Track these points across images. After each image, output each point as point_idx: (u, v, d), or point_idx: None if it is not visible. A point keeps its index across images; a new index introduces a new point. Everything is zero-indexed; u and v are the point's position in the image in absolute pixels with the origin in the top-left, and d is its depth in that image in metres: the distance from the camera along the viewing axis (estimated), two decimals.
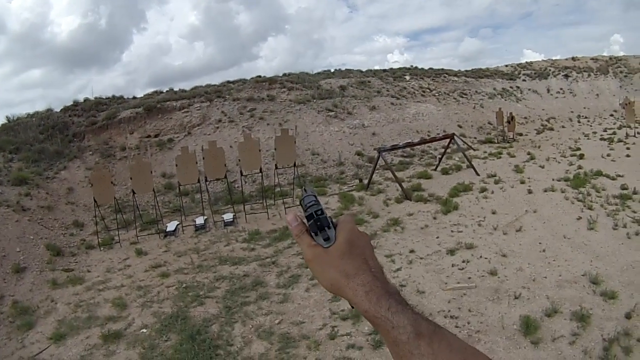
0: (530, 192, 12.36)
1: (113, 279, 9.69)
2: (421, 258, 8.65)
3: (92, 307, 8.26)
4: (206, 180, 13.37)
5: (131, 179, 12.98)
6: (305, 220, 0.96)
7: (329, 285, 0.89)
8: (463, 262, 8.20)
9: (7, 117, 20.75)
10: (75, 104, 22.08)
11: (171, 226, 12.72)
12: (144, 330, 7.16)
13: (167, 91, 24.43)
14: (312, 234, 0.93)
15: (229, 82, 25.45)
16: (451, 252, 8.70)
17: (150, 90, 27.73)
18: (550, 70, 40.32)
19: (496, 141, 23.60)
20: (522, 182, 13.47)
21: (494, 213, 10.88)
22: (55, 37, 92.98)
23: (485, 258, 8.25)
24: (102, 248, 11.81)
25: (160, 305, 8.04)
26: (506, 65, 41.39)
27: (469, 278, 7.54)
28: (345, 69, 31.40)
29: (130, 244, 11.99)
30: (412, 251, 9.04)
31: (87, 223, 13.59)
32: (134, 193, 13.00)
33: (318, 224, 0.92)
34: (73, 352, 6.76)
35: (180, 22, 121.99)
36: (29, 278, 9.66)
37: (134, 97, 23.81)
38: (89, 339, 7.09)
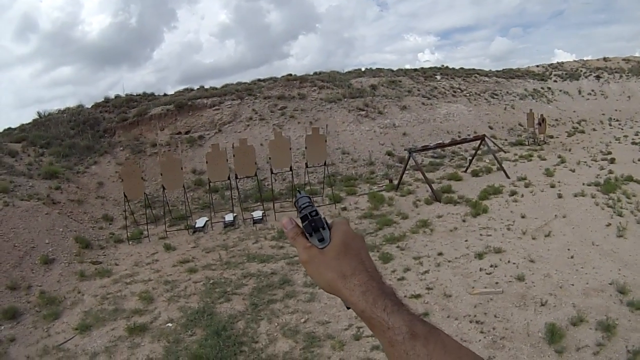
0: (560, 196, 11.99)
1: (141, 272, 9.69)
2: (449, 261, 8.46)
3: (119, 300, 8.26)
4: (236, 178, 13.32)
5: (161, 174, 12.96)
6: (300, 222, 0.95)
7: (326, 285, 0.89)
8: (491, 266, 7.99)
9: (38, 112, 21.13)
10: (106, 100, 22.34)
11: (200, 222, 12.68)
12: (170, 325, 7.13)
13: (198, 89, 24.51)
14: (307, 235, 0.93)
15: (259, 80, 25.50)
16: (479, 255, 8.49)
17: (181, 87, 27.96)
18: (581, 70, 39.38)
19: (527, 143, 23.10)
20: (552, 186, 13.10)
21: (523, 217, 10.60)
22: (85, 36, 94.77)
23: (513, 263, 8.03)
24: (130, 242, 11.82)
25: (187, 300, 8.00)
26: (537, 66, 40.61)
27: (496, 283, 7.34)
28: (376, 68, 31.06)
29: (159, 238, 12.00)
30: (440, 254, 8.85)
31: (116, 217, 13.68)
32: (163, 189, 12.98)
33: (312, 225, 0.92)
34: (98, 343, 6.75)
35: (211, 20, 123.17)
36: (57, 269, 9.69)
37: (165, 94, 23.96)
38: (115, 330, 7.08)
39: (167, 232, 12.36)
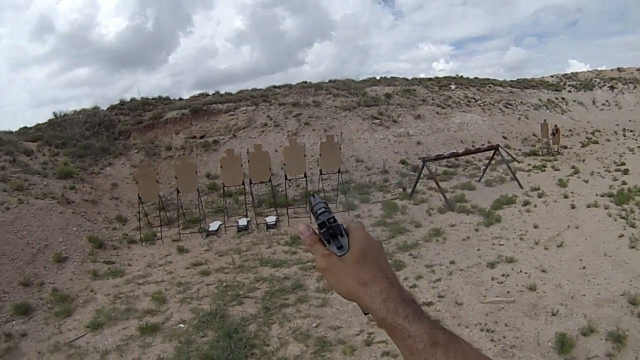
0: (573, 207, 11.86)
1: (153, 273, 9.68)
2: (461, 270, 8.39)
3: (131, 300, 8.25)
4: (250, 183, 13.29)
5: (176, 178, 12.97)
6: (316, 228, 0.94)
7: (346, 293, 0.89)
8: (503, 275, 7.91)
9: (54, 113, 21.32)
10: (122, 103, 22.52)
11: (214, 226, 12.68)
12: (182, 325, 7.11)
13: (213, 94, 24.64)
14: (325, 241, 0.92)
15: (275, 86, 25.54)
16: (491, 265, 8.41)
17: (196, 92, 28.08)
18: (595, 81, 39.11)
19: (541, 154, 22.97)
20: (566, 197, 12.98)
21: (536, 227, 10.49)
22: (102, 38, 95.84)
23: (525, 273, 7.94)
24: (144, 243, 11.83)
25: (199, 302, 7.97)
26: (551, 76, 40.40)
27: (508, 292, 7.26)
28: (391, 77, 31.01)
29: (172, 240, 11.99)
30: (452, 262, 8.78)
31: (130, 218, 13.69)
32: (178, 192, 12.99)
33: (331, 232, 0.91)
34: (109, 341, 6.74)
35: (227, 26, 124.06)
36: (70, 268, 9.71)
37: (180, 99, 24.09)
38: (126, 330, 7.07)
39: (181, 235, 12.34)
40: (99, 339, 6.83)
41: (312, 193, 1.00)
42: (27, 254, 9.55)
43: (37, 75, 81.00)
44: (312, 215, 0.99)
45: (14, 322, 7.44)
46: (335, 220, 0.91)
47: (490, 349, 5.70)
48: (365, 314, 0.88)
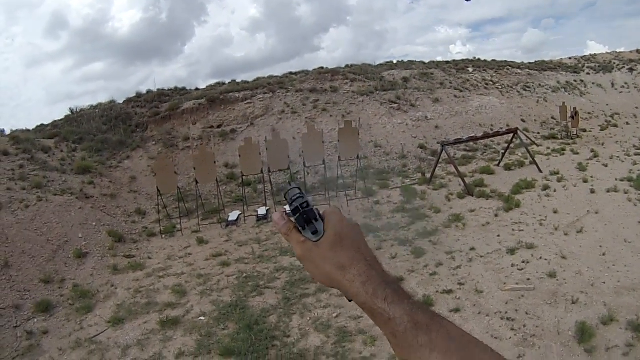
0: (592, 191, 11.62)
1: (173, 266, 9.69)
2: (481, 256, 8.30)
3: (152, 293, 8.27)
4: (269, 171, 13.23)
5: (194, 168, 12.95)
6: (291, 216, 0.92)
7: (325, 279, 0.88)
8: (523, 262, 7.81)
9: (70, 108, 21.35)
10: (138, 95, 22.46)
11: (233, 216, 12.63)
12: (202, 318, 7.12)
13: (229, 82, 24.52)
14: (300, 228, 0.90)
15: (291, 73, 25.38)
16: (511, 251, 8.30)
17: (212, 81, 28.06)
18: (614, 63, 38.09)
19: (560, 137, 22.51)
20: (585, 181, 12.72)
21: (555, 212, 10.31)
22: (116, 32, 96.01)
23: (545, 259, 7.82)
24: (163, 236, 11.83)
25: (220, 294, 7.97)
26: (570, 58, 39.32)
27: (528, 279, 7.17)
28: (408, 61, 30.54)
29: (191, 232, 11.97)
30: (472, 249, 8.68)
31: (149, 211, 13.71)
32: (196, 182, 12.95)
33: (305, 217, 0.89)
34: (130, 336, 6.77)
35: (241, 14, 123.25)
36: (90, 263, 9.74)
37: (197, 89, 23.93)
38: (147, 324, 7.09)
39: (200, 226, 12.31)
40: (120, 334, 6.86)
41: (289, 181, 0.96)
42: (47, 251, 9.58)
43: (52, 72, 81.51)
44: (286, 201, 0.96)
45: (35, 320, 7.47)
46: (308, 205, 0.90)
47: (510, 337, 5.66)
48: (350, 301, 0.86)
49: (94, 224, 11.38)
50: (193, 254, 10.37)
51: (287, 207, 0.96)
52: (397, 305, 0.77)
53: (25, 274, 8.62)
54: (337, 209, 0.95)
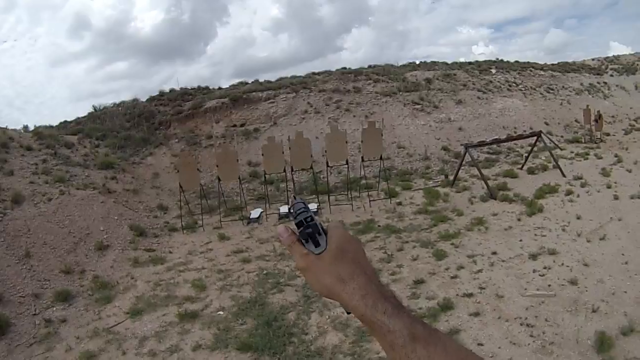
0: (616, 197, 11.35)
1: (194, 261, 9.69)
2: (503, 261, 8.14)
3: (171, 287, 8.27)
4: (292, 170, 13.16)
5: (217, 166, 12.98)
6: (295, 229, 0.94)
7: (325, 291, 0.88)
8: (544, 268, 7.63)
9: (93, 106, 21.74)
10: (161, 94, 22.68)
11: (255, 213, 12.62)
12: (221, 313, 7.10)
13: (252, 82, 24.62)
14: (303, 241, 0.91)
15: (314, 73, 25.34)
16: (533, 256, 8.12)
17: (235, 81, 28.08)
18: (638, 64, 37.30)
19: (583, 141, 22.09)
20: (609, 187, 12.44)
21: (578, 218, 10.09)
22: (139, 32, 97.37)
23: (567, 266, 7.63)
24: (185, 231, 11.84)
25: (239, 289, 7.94)
26: (593, 59, 38.74)
27: (549, 285, 7.00)
28: (431, 61, 30.47)
29: (213, 228, 11.98)
30: (494, 253, 8.52)
31: (171, 207, 13.76)
32: (219, 180, 12.97)
33: (308, 231, 0.91)
34: (148, 327, 6.78)
35: (263, 15, 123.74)
36: (111, 255, 9.78)
37: (220, 88, 24.08)
38: (165, 316, 7.09)
39: (222, 223, 12.32)
40: (138, 325, 6.88)
41: (294, 195, 0.93)
42: (68, 242, 9.63)
43: (76, 71, 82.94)
44: (291, 215, 0.98)
45: (54, 309, 7.51)
46: (312, 219, 0.92)
47: (529, 344, 5.52)
48: (348, 313, 0.87)
49: (116, 217, 11.43)
50: (214, 249, 10.36)
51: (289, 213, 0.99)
52: (396, 319, 0.78)
53: (46, 264, 8.67)
54: (340, 223, 0.98)
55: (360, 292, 0.83)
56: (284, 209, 12.64)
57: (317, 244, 0.89)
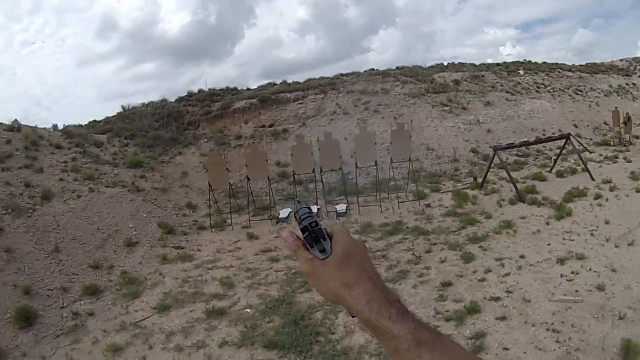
0: None
1: (222, 259, 9.71)
2: (531, 265, 7.98)
3: (199, 284, 8.29)
4: (321, 171, 13.10)
5: (246, 166, 13.02)
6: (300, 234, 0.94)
7: (331, 295, 0.89)
8: (572, 273, 7.43)
9: (122, 106, 22.02)
10: (190, 94, 22.86)
11: (284, 213, 12.62)
12: (248, 310, 7.10)
13: (280, 83, 24.70)
14: (308, 246, 0.91)
15: (342, 74, 25.28)
16: (561, 261, 7.94)
17: (263, 82, 28.26)
18: None
19: (612, 144, 21.57)
20: (638, 191, 12.09)
21: (607, 223, 9.81)
22: (165, 34, 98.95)
23: (595, 271, 7.42)
24: (213, 230, 11.87)
25: (267, 288, 7.94)
26: (621, 60, 37.78)
27: (576, 291, 6.81)
28: (459, 63, 30.29)
29: (242, 227, 11.99)
30: (522, 256, 8.37)
31: (200, 205, 13.81)
32: (248, 179, 13.02)
33: (313, 236, 0.91)
34: (175, 323, 6.81)
35: (290, 16, 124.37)
36: (140, 252, 9.85)
37: (248, 89, 24.21)
38: (193, 312, 7.11)
39: (251, 222, 12.31)
40: (165, 321, 6.92)
41: (297, 200, 0.84)
42: (97, 238, 9.73)
43: (103, 72, 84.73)
44: (295, 220, 0.99)
45: (82, 302, 7.60)
46: (317, 225, 0.92)
47: (554, 350, 5.38)
48: (353, 317, 0.88)
49: (145, 215, 11.51)
50: (242, 248, 10.38)
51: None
52: (401, 324, 0.79)
53: (75, 259, 8.77)
54: (345, 228, 0.98)
55: (366, 297, 0.83)
56: (313, 209, 12.56)
57: (322, 249, 0.90)
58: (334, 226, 0.95)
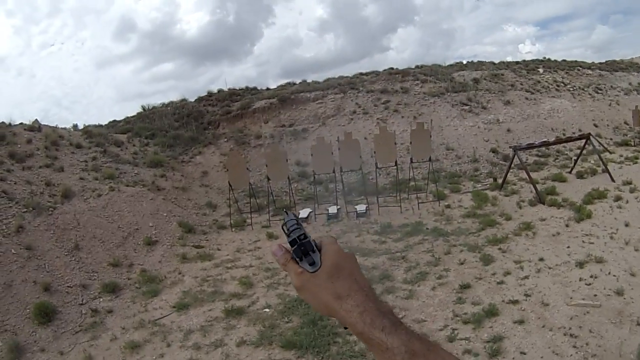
0: None
1: (242, 258, 9.73)
2: (550, 268, 7.86)
3: (219, 283, 8.33)
4: (341, 171, 13.05)
5: (266, 165, 13.06)
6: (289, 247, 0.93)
7: (323, 308, 0.88)
8: (591, 277, 7.29)
9: (142, 106, 22.17)
10: (210, 94, 22.99)
11: (304, 213, 12.58)
12: (267, 310, 7.12)
13: (300, 82, 24.70)
14: (297, 259, 0.90)
15: (361, 74, 25.16)
16: (580, 264, 7.79)
17: (283, 81, 28.28)
18: None
19: (633, 144, 21.09)
20: None
21: (627, 225, 9.59)
22: (184, 34, 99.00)
23: (614, 275, 7.26)
24: (233, 229, 11.91)
25: (286, 288, 7.90)
26: None
27: (595, 295, 6.68)
28: (478, 61, 29.95)
29: (261, 227, 12.02)
30: (541, 259, 8.24)
31: (220, 205, 13.88)
32: (268, 179, 13.01)
33: (302, 249, 0.89)
34: (194, 321, 6.84)
35: (309, 15, 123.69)
36: (159, 251, 9.91)
37: (268, 89, 24.25)
38: (212, 311, 7.14)
39: (270, 221, 12.35)
40: (184, 319, 6.96)
41: (285, 210, 0.79)
42: (117, 237, 9.81)
43: (122, 72, 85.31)
44: (284, 232, 0.97)
45: (101, 299, 7.69)
46: (306, 237, 0.90)
47: (571, 355, 5.29)
48: (345, 328, 0.87)
49: (165, 214, 11.57)
50: (262, 248, 10.38)
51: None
52: (394, 335, 0.78)
53: (95, 257, 8.86)
54: (334, 239, 0.96)
55: (358, 309, 0.82)
56: (332, 209, 12.57)
57: (311, 262, 0.88)
58: (322, 238, 0.95)
